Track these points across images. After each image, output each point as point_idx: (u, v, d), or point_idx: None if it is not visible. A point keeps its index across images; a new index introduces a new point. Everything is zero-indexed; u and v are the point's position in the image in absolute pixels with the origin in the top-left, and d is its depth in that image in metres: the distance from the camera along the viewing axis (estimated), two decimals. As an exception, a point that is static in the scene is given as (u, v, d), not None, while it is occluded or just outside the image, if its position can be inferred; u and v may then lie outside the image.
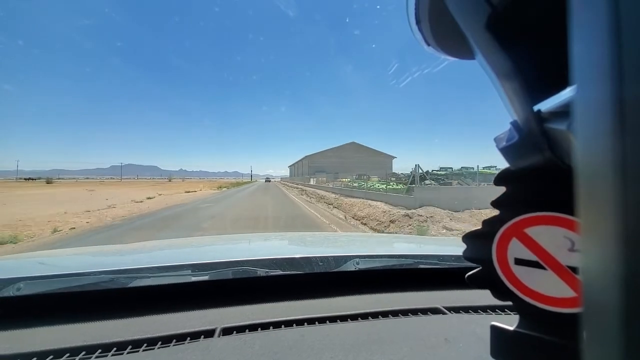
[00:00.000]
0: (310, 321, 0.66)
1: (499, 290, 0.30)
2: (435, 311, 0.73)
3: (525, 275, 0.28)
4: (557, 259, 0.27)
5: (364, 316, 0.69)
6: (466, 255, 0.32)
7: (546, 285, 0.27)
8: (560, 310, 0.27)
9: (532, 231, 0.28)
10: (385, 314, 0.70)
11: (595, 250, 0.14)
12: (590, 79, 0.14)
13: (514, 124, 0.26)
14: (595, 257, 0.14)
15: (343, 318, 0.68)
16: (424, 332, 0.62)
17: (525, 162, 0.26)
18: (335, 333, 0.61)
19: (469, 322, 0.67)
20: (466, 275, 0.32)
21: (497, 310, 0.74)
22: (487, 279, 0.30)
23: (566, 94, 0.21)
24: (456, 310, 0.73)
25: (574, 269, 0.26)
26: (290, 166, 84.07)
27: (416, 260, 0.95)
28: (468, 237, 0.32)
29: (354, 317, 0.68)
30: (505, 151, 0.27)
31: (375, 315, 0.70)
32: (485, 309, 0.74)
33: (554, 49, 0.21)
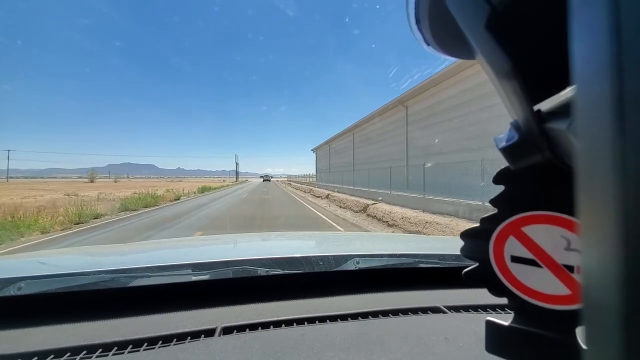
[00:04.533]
0: (311, 320, 0.66)
1: (495, 287, 0.30)
2: (435, 310, 0.73)
3: (521, 272, 0.29)
4: (553, 257, 0.27)
5: (364, 315, 0.69)
6: (464, 252, 0.32)
7: (541, 283, 0.28)
8: (555, 307, 0.27)
9: (530, 230, 0.28)
10: (385, 313, 0.71)
11: (595, 250, 0.14)
12: (590, 78, 0.14)
13: (514, 124, 0.26)
14: (595, 257, 0.14)
15: (343, 317, 0.68)
16: (424, 331, 0.62)
17: (525, 162, 0.26)
18: (336, 332, 0.61)
19: (469, 321, 0.67)
20: (463, 272, 0.32)
21: (497, 309, 0.74)
22: (484, 276, 0.31)
23: (566, 93, 0.21)
24: (456, 309, 0.74)
25: (569, 268, 0.26)
26: (316, 149, 39.57)
27: (416, 260, 0.95)
28: (466, 235, 0.32)
29: (354, 317, 0.69)
30: (505, 151, 0.27)
31: (375, 314, 0.70)
32: (485, 308, 0.74)
33: (554, 49, 0.21)
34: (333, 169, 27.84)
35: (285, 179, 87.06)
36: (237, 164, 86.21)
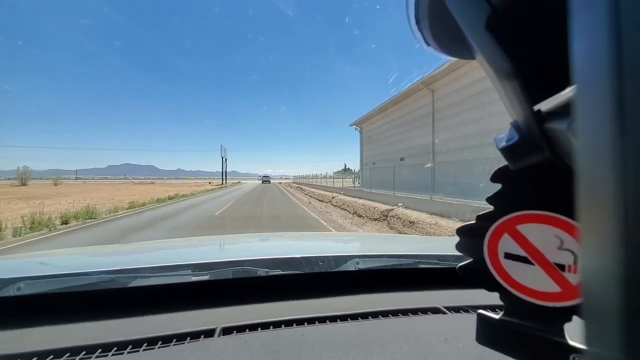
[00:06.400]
0: (310, 321, 0.66)
1: (488, 282, 0.31)
2: (435, 311, 0.73)
3: (513, 269, 0.29)
4: (545, 255, 0.28)
5: (364, 316, 0.69)
6: (459, 248, 0.33)
7: (533, 280, 0.28)
8: (544, 303, 0.28)
9: (524, 228, 0.29)
10: (385, 314, 0.71)
11: (595, 250, 0.14)
12: (590, 78, 0.14)
13: (514, 124, 0.26)
14: (595, 257, 0.14)
15: (343, 318, 0.68)
16: (424, 332, 0.62)
17: (524, 162, 0.26)
18: (336, 333, 0.62)
19: (469, 321, 0.67)
20: (457, 266, 0.33)
21: (497, 309, 0.76)
22: (477, 271, 0.31)
23: (566, 94, 0.21)
24: (456, 309, 0.74)
25: (561, 266, 0.27)
26: (364, 122, 20.76)
27: (416, 260, 0.95)
28: (462, 231, 0.33)
29: (354, 317, 0.68)
30: (505, 151, 0.27)
31: (375, 314, 0.70)
32: (485, 308, 0.79)
33: (554, 49, 0.21)
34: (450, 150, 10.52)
35: (291, 180, 70.95)
36: (223, 159, 57.07)
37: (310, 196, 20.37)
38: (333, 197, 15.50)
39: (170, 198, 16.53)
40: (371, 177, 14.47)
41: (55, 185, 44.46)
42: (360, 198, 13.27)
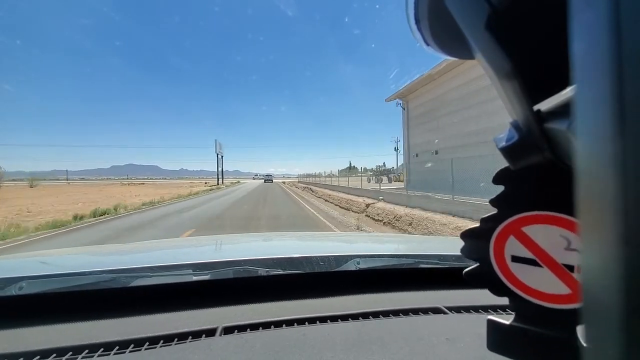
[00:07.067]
0: (311, 320, 0.66)
1: (496, 287, 0.30)
2: (436, 311, 0.73)
3: (521, 272, 0.29)
4: (553, 257, 0.27)
5: (365, 316, 0.69)
6: (464, 252, 0.32)
7: (542, 282, 0.28)
8: (555, 306, 0.28)
9: (530, 230, 0.28)
10: (386, 314, 0.70)
11: (596, 249, 0.14)
12: (590, 78, 0.14)
13: (514, 123, 0.26)
14: (595, 257, 0.14)
15: (344, 317, 0.68)
16: (425, 332, 0.62)
17: (525, 162, 0.26)
18: (337, 332, 0.62)
19: (470, 321, 0.67)
20: (464, 272, 0.32)
21: (498, 310, 0.71)
22: (484, 275, 0.31)
23: (566, 93, 0.20)
24: (457, 309, 0.73)
25: (569, 267, 0.27)
26: (405, 95, 14.32)
27: (417, 260, 0.95)
28: (466, 235, 0.32)
29: (355, 317, 0.68)
30: (505, 151, 0.26)
31: (376, 314, 0.70)
32: (486, 308, 0.73)
33: (554, 49, 0.21)
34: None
35: (295, 179, 66.92)
36: (218, 155, 50.01)
37: (327, 201, 15.02)
38: (368, 206, 10.24)
39: (127, 209, 11.16)
40: (453, 172, 7.86)
41: (31, 187, 40.68)
42: (425, 210, 7.98)
